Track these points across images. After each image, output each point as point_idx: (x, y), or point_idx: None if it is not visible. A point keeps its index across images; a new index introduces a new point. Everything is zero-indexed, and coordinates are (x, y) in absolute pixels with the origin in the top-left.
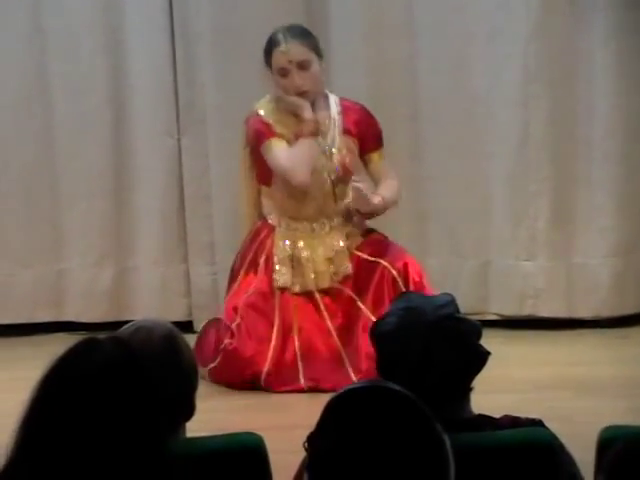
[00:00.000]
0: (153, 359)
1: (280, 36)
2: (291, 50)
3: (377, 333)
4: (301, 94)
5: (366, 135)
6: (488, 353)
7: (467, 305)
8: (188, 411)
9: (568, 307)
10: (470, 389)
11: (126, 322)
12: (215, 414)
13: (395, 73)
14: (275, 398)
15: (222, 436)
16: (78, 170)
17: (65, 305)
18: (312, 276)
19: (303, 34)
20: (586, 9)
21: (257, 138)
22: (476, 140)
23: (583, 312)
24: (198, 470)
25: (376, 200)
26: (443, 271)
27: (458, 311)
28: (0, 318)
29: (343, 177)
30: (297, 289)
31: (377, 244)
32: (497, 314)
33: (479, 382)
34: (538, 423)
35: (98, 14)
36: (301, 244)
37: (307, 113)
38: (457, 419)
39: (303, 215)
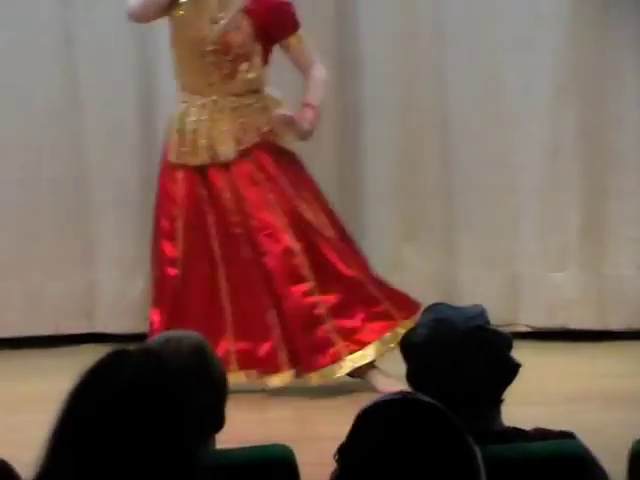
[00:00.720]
0: (183, 370)
1: None
2: None
3: (407, 344)
4: None
5: (277, 19)
6: (519, 365)
7: (497, 317)
8: (218, 422)
9: (599, 319)
10: (501, 401)
11: None
12: (244, 425)
13: (425, 83)
14: (301, 410)
15: (252, 448)
16: (109, 181)
17: (95, 316)
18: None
19: None
20: (617, 20)
21: None
22: (506, 150)
23: (614, 324)
24: None
25: (307, 125)
26: (473, 282)
27: (488, 322)
28: (30, 329)
29: (223, 51)
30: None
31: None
32: (528, 325)
33: (509, 394)
34: (569, 436)
35: (128, 27)
36: (190, 118)
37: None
38: (488, 431)
39: (191, 87)
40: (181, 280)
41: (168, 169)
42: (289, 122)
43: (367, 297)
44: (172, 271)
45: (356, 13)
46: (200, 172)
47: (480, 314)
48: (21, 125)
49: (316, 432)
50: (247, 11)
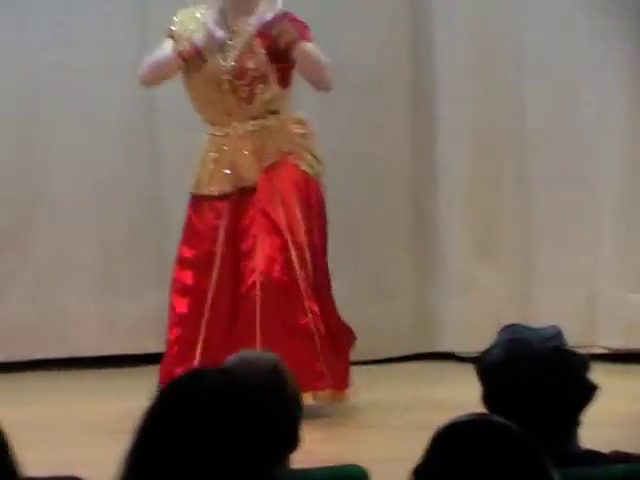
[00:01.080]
0: (258, 390)
1: None
2: None
3: (483, 365)
4: None
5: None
6: (596, 387)
7: (574, 338)
8: (293, 442)
9: None
10: (578, 423)
11: None
12: (317, 446)
13: (501, 102)
14: (374, 430)
15: (328, 468)
16: (184, 200)
17: None
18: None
19: None
20: None
21: None
22: (584, 168)
23: None
24: None
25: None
26: (549, 302)
27: (565, 344)
28: (107, 349)
29: (239, 76)
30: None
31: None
32: (605, 347)
33: (586, 416)
34: None
35: None
36: (212, 149)
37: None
38: (565, 453)
39: (211, 119)
40: (193, 309)
41: (194, 200)
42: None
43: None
44: (181, 301)
45: (431, 33)
46: (223, 200)
47: (557, 335)
48: (98, 146)
49: (387, 453)
50: (258, 35)
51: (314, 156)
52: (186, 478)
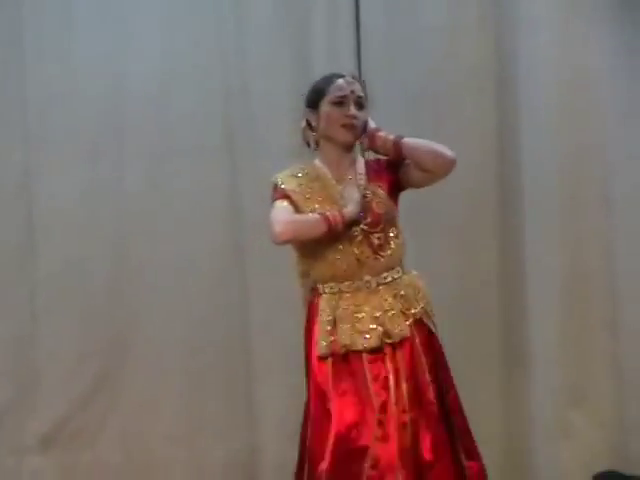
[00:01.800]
0: None
1: (342, 73)
2: (355, 84)
3: None
4: (349, 127)
5: (390, 164)
6: None
7: None
8: None
9: None
10: None
11: None
12: None
13: (591, 247)
14: None
15: None
16: (271, 344)
17: None
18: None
19: (360, 80)
20: None
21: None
22: None
23: None
24: None
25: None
26: None
27: None
28: None
29: (374, 223)
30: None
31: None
32: None
33: None
34: None
35: None
36: (343, 304)
37: (348, 210)
38: None
39: (339, 276)
40: None
41: (317, 362)
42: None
43: None
44: None
45: (516, 80)
46: (347, 359)
47: None
48: (188, 291)
49: None
50: (372, 179)
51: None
52: None
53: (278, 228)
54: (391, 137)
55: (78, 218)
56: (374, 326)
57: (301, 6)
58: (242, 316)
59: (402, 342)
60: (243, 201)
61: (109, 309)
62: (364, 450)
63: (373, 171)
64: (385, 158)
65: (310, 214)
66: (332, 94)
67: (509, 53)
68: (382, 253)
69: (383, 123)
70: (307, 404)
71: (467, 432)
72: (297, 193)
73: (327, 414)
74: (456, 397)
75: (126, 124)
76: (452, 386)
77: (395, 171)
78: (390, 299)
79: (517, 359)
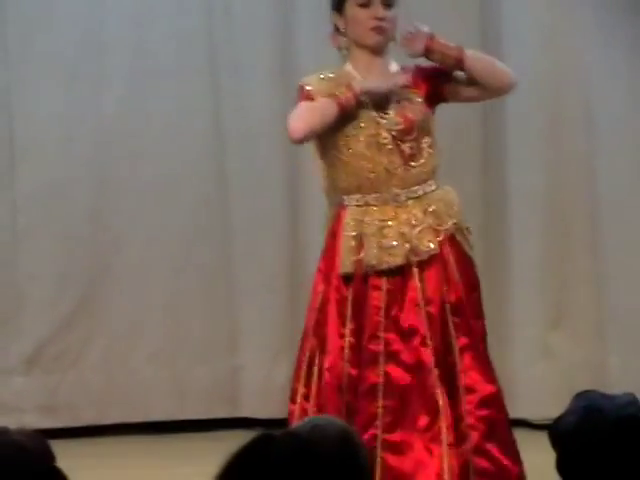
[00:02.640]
0: (331, 455)
1: None
2: None
3: (556, 432)
4: (378, 30)
5: (433, 74)
6: None
7: None
8: None
9: None
10: None
11: None
12: None
13: (573, 170)
14: None
15: None
16: (254, 267)
17: (241, 402)
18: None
19: None
20: None
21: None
22: None
23: None
24: None
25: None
26: (624, 370)
27: None
28: (179, 414)
29: (406, 130)
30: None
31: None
32: None
33: None
34: None
35: (275, 115)
36: (368, 219)
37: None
38: None
39: (365, 187)
40: None
41: (336, 280)
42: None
43: None
44: None
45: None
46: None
47: (632, 402)
48: (169, 213)
49: None
50: (411, 85)
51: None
52: None
53: (292, 124)
54: (452, 45)
55: (59, 139)
56: (399, 242)
57: None
58: (225, 238)
59: (431, 261)
60: (226, 123)
61: (91, 231)
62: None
63: (411, 77)
64: (427, 65)
65: (319, 101)
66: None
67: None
68: (413, 163)
69: None
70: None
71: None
72: (323, 95)
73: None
74: (484, 326)
75: (107, 44)
76: (482, 313)
77: (439, 82)
78: (420, 214)
79: (498, 280)
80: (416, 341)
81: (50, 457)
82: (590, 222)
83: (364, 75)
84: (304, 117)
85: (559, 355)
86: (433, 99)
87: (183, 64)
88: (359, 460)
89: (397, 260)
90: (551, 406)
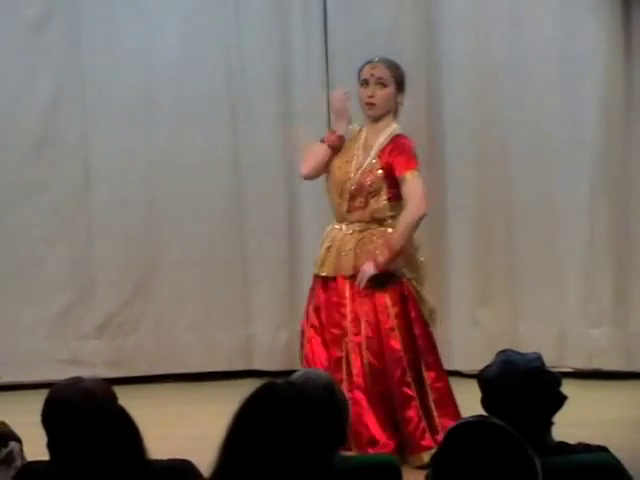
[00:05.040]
0: (317, 399)
1: (374, 57)
2: (377, 67)
3: (482, 378)
4: (369, 105)
5: (397, 159)
6: (565, 397)
7: (549, 361)
8: (342, 439)
9: (627, 363)
10: (552, 423)
11: (296, 370)
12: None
13: (494, 190)
14: None
15: (368, 455)
16: (263, 261)
17: (254, 359)
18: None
19: (392, 63)
20: (638, 146)
21: None
22: (555, 239)
23: (638, 367)
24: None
25: (368, 272)
26: (531, 336)
27: (544, 365)
28: (208, 367)
29: (357, 192)
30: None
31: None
32: (572, 368)
33: (558, 418)
34: (605, 450)
35: (279, 150)
36: (331, 239)
37: (337, 127)
38: (543, 445)
39: (336, 215)
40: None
41: (315, 278)
42: (362, 271)
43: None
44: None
45: (440, 67)
46: (332, 281)
47: (538, 358)
48: (201, 222)
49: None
50: (379, 156)
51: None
52: (264, 461)
53: (300, 167)
54: (386, 254)
55: (121, 167)
56: (333, 258)
57: (283, 15)
58: (241, 240)
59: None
60: (242, 156)
61: (145, 234)
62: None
63: (391, 148)
64: (405, 147)
65: (317, 146)
66: (360, 77)
67: (436, 48)
68: (360, 211)
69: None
70: None
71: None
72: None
73: None
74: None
75: (156, 98)
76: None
77: (396, 167)
78: (354, 243)
79: (440, 271)
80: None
81: (113, 398)
82: (506, 228)
83: (367, 134)
84: (308, 161)
85: (484, 325)
86: (391, 177)
87: (211, 113)
88: (339, 404)
89: (327, 272)
90: (478, 361)
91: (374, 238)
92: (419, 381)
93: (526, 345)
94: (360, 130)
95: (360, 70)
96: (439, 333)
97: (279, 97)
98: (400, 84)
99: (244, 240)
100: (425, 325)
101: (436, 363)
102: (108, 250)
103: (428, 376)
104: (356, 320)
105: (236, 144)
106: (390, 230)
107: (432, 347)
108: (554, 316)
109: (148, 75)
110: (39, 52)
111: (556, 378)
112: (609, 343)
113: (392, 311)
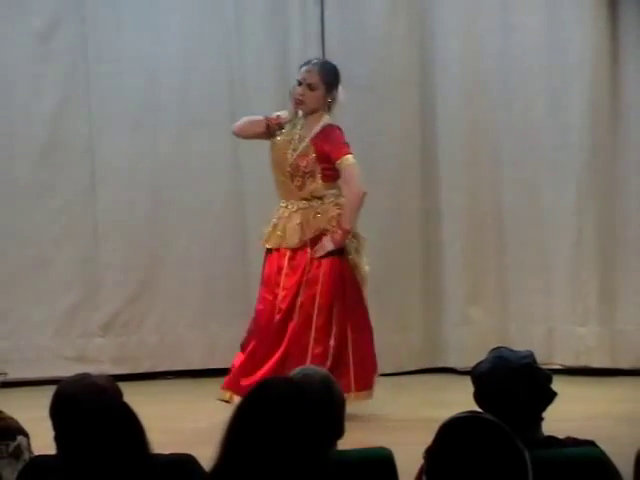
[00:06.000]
0: (314, 395)
1: (312, 59)
2: (311, 72)
3: (475, 374)
4: (298, 102)
5: (330, 147)
6: (555, 393)
7: (539, 358)
8: (339, 432)
9: (612, 360)
10: (542, 418)
11: None
12: (355, 433)
13: (485, 192)
14: (396, 423)
15: (363, 449)
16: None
17: None
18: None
19: (325, 67)
20: (624, 151)
21: None
22: (543, 241)
23: (623, 364)
24: (346, 473)
25: (331, 245)
26: (521, 334)
27: (535, 362)
28: (210, 364)
29: (294, 172)
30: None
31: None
32: (561, 365)
33: (548, 413)
34: (592, 443)
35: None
36: (277, 215)
37: (283, 114)
38: (533, 439)
39: (280, 194)
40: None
41: (265, 250)
42: (321, 245)
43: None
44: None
45: (434, 73)
46: (276, 252)
47: (530, 355)
48: (204, 223)
49: (406, 439)
50: (312, 142)
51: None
52: (264, 453)
53: (235, 124)
54: (339, 232)
55: (126, 170)
56: (279, 232)
57: (282, 24)
58: (242, 240)
59: (297, 250)
60: (242, 161)
61: (149, 235)
62: None
63: (323, 137)
64: (329, 139)
65: (256, 119)
66: (297, 74)
67: (429, 55)
68: (300, 190)
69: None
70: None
71: None
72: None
73: None
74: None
75: (160, 104)
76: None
77: (331, 156)
78: (298, 218)
79: (434, 270)
80: None
81: (119, 394)
82: (497, 229)
83: (305, 123)
84: (243, 123)
85: (476, 322)
86: (323, 160)
87: (213, 117)
88: (336, 399)
89: (273, 245)
90: (470, 358)
91: (318, 214)
92: (343, 333)
93: (516, 343)
94: (301, 120)
95: (299, 68)
96: (433, 331)
97: (278, 102)
98: (330, 86)
99: (245, 240)
100: (357, 287)
101: (360, 319)
102: (113, 250)
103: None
104: (287, 289)
105: (237, 147)
106: (332, 206)
107: (359, 303)
108: (543, 314)
109: (152, 81)
110: (47, 60)
111: (547, 375)
112: (596, 341)
113: (332, 274)
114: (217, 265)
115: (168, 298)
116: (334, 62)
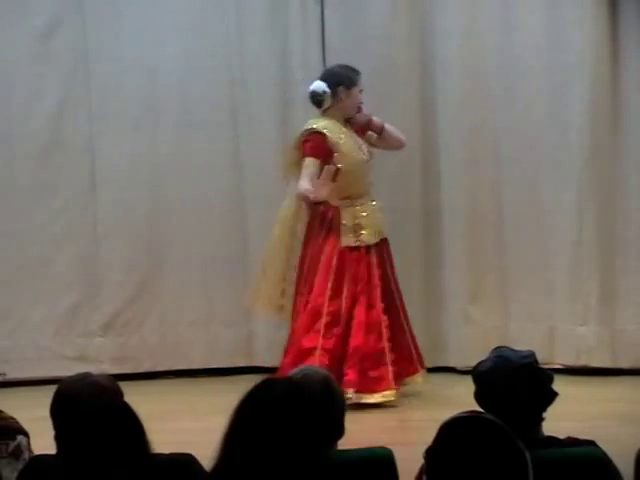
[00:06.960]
0: (315, 395)
1: (358, 78)
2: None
3: (476, 373)
4: (359, 109)
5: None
6: (556, 393)
7: (540, 358)
8: (340, 432)
9: (612, 360)
10: (542, 418)
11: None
12: (356, 434)
13: (485, 192)
14: (401, 421)
15: (362, 449)
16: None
17: (254, 355)
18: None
19: None
20: (624, 151)
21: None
22: (544, 240)
23: (623, 363)
24: (346, 473)
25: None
26: (522, 333)
27: (537, 362)
28: (211, 363)
29: (369, 169)
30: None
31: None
32: (561, 364)
33: (549, 413)
34: (592, 443)
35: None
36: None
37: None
38: (533, 439)
39: (355, 193)
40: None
41: (342, 252)
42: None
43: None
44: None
45: (434, 73)
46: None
47: (531, 355)
48: (205, 223)
49: (409, 438)
50: (366, 141)
51: None
52: (263, 453)
53: (311, 195)
54: (379, 121)
55: (127, 171)
56: (369, 230)
57: (282, 24)
58: (242, 240)
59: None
60: (243, 161)
61: (149, 235)
62: None
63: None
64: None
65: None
66: (355, 93)
67: (429, 55)
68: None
69: None
70: None
71: None
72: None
73: None
74: None
75: (160, 105)
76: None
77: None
78: (380, 215)
79: (434, 269)
80: None
81: (120, 393)
82: (497, 229)
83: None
84: (319, 189)
85: (476, 322)
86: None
87: (213, 118)
88: (336, 399)
89: (369, 241)
90: (470, 358)
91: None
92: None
93: (517, 342)
94: (341, 127)
95: (358, 74)
96: (433, 331)
97: (278, 103)
98: None
99: (245, 240)
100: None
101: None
102: (113, 250)
103: None
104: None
105: (237, 147)
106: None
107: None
108: (543, 314)
109: (152, 82)
110: (47, 60)
111: (548, 375)
112: (596, 340)
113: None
114: (218, 265)
115: (168, 298)
116: (334, 62)
